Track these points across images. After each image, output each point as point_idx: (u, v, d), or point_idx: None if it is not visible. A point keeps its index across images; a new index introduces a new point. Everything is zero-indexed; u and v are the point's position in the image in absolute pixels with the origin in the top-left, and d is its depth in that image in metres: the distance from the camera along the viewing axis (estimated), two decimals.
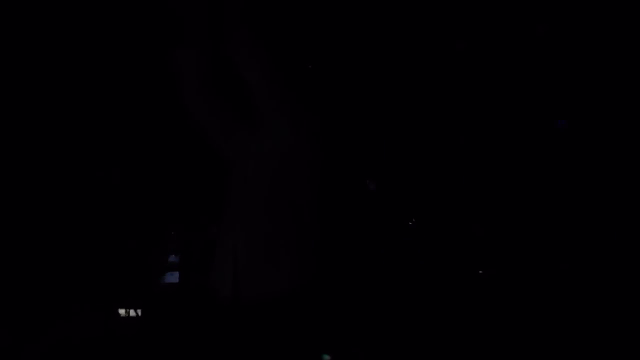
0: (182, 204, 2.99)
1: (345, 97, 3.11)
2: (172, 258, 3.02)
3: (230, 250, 2.32)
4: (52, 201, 2.79)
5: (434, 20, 3.13)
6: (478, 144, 3.07)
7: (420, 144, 3.09)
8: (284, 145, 2.34)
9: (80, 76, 2.92)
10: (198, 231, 2.96)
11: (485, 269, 2.81)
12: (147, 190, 2.86)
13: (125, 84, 2.82)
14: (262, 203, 2.34)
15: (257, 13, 2.37)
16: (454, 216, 2.95)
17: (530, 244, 2.98)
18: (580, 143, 3.07)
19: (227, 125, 2.40)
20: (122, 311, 2.80)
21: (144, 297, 2.75)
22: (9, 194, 2.80)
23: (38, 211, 2.77)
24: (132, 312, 2.80)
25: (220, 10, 2.32)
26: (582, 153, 3.06)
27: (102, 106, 2.93)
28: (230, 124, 2.39)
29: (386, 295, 2.89)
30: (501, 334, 2.79)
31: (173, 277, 2.95)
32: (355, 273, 3.00)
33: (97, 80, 2.93)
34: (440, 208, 3.00)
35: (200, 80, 2.34)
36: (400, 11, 3.17)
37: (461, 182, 3.09)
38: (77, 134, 2.86)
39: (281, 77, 2.35)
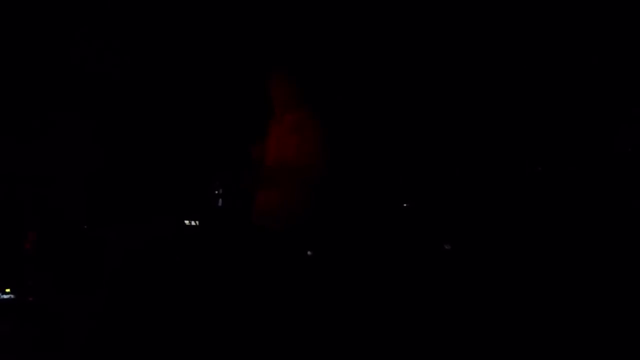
0: (224, 164, 4.42)
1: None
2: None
3: (263, 200, 3.50)
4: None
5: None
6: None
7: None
8: (300, 138, 3.43)
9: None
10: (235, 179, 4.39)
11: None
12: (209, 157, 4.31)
13: None
14: (286, 171, 3.41)
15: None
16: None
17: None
18: None
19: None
20: (187, 221, 4.22)
21: (201, 213, 4.24)
22: None
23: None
24: (193, 222, 4.22)
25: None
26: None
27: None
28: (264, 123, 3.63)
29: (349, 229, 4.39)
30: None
31: (219, 203, 4.43)
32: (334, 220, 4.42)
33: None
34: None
35: None
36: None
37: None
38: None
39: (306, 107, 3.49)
